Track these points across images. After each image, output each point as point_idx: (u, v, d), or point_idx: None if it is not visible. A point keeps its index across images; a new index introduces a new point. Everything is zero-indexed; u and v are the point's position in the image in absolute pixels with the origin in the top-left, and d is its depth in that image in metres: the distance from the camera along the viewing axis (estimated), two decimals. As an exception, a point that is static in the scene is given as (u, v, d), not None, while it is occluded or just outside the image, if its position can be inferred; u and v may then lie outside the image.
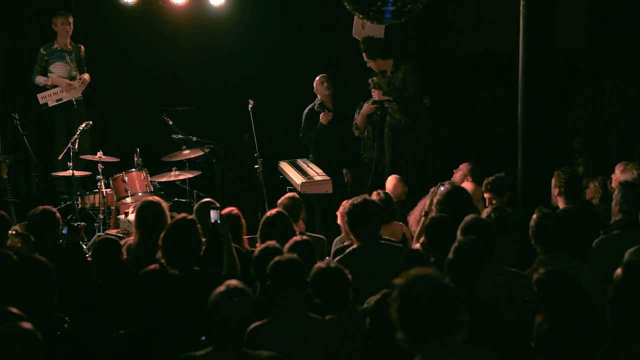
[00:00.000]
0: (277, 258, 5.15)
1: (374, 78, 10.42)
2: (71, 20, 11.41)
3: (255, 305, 4.65)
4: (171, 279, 5.44)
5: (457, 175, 9.17)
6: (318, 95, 10.99)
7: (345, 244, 7.06)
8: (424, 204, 7.45)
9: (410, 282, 3.85)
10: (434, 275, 3.89)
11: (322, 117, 10.78)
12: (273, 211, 6.87)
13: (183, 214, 6.22)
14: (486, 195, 8.13)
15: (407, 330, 3.83)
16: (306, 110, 11.01)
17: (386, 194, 8.03)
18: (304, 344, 4.95)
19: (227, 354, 4.50)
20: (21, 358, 4.03)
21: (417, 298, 3.80)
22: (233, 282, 4.63)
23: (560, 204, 7.44)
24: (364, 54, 10.31)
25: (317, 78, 10.99)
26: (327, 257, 6.84)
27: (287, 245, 5.91)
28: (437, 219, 6.25)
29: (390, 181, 9.27)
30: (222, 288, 4.53)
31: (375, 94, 10.40)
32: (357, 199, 6.51)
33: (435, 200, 7.11)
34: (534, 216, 6.20)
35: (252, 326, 4.97)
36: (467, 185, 8.52)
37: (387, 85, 10.35)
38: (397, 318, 3.85)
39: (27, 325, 4.11)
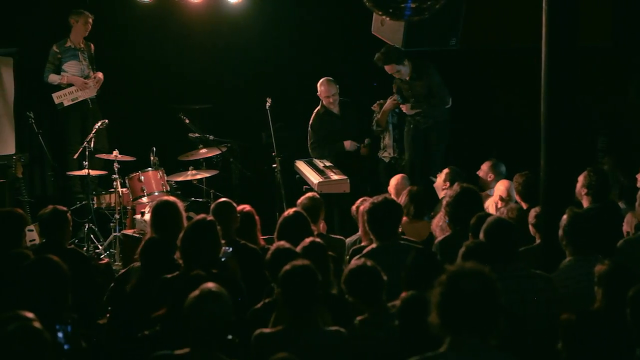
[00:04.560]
0: (287, 267, 5.02)
1: (395, 85, 10.38)
2: (91, 21, 11.35)
3: (231, 308, 4.61)
4: (190, 281, 5.32)
5: (439, 180, 9.10)
6: (322, 99, 10.67)
7: (363, 244, 6.98)
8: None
9: (462, 272, 3.80)
10: (488, 274, 3.81)
11: (348, 144, 10.57)
12: (291, 211, 6.80)
13: (202, 215, 6.14)
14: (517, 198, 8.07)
15: (442, 317, 3.78)
16: (312, 120, 10.78)
17: (418, 189, 7.96)
18: (311, 356, 4.84)
19: (203, 357, 4.48)
20: (28, 357, 4.01)
21: (463, 290, 3.74)
22: (209, 285, 4.60)
23: (585, 203, 7.36)
24: (389, 66, 10.11)
25: (321, 81, 10.64)
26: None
27: (299, 247, 5.82)
28: (482, 217, 6.17)
29: (396, 179, 9.19)
30: (196, 292, 4.53)
31: (405, 108, 10.32)
32: (377, 198, 6.45)
33: (444, 202, 7.04)
34: (565, 216, 6.10)
35: (259, 331, 4.90)
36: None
37: (409, 90, 10.27)
38: (436, 302, 3.79)
39: (36, 324, 4.10)
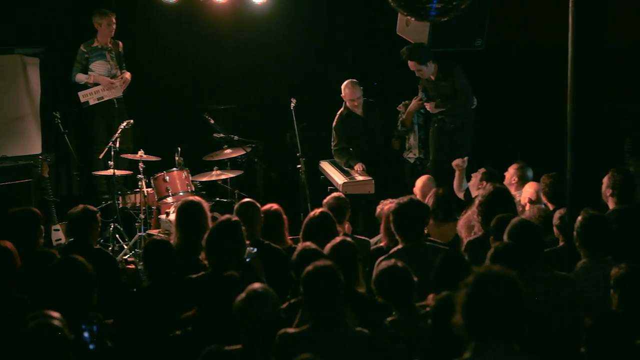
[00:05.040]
0: (309, 267, 5.01)
1: (420, 85, 10.32)
2: (115, 19, 11.39)
3: (279, 305, 4.63)
4: (224, 282, 5.32)
5: (472, 181, 9.05)
6: (346, 102, 10.61)
7: (382, 244, 6.95)
8: (474, 210, 7.28)
9: (489, 275, 3.77)
10: (515, 279, 3.78)
11: (358, 170, 10.49)
12: (317, 211, 6.77)
13: (227, 215, 6.14)
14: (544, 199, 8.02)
15: (466, 319, 3.76)
16: (334, 122, 10.71)
17: (445, 191, 7.92)
18: (334, 357, 4.82)
19: (255, 355, 4.49)
20: (49, 354, 4.07)
21: (489, 294, 3.72)
22: (255, 286, 4.59)
23: (611, 204, 7.29)
24: (412, 62, 10.04)
25: (345, 83, 10.54)
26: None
27: (327, 247, 5.81)
28: (504, 218, 6.17)
29: (421, 180, 9.15)
30: (243, 294, 4.53)
31: (429, 107, 10.27)
32: (403, 199, 6.42)
33: (476, 202, 7.01)
34: (580, 218, 6.07)
35: (282, 331, 4.89)
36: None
37: (434, 90, 10.22)
38: (462, 303, 3.77)
39: (56, 322, 4.15)
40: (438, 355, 4.55)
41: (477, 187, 8.80)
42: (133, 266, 9.37)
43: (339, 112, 10.66)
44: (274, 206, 7.17)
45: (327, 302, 4.92)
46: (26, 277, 5.78)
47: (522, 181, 8.87)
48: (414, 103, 10.54)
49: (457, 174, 9.22)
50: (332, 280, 4.92)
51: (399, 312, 5.21)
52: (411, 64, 10.01)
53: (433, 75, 10.16)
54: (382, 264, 5.37)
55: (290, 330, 4.98)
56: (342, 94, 10.51)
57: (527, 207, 8.21)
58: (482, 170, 8.97)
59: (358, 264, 5.80)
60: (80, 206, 7.08)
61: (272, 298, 4.58)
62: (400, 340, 5.05)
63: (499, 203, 6.80)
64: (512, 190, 8.79)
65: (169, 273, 5.99)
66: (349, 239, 5.97)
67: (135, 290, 6.75)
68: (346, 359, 4.87)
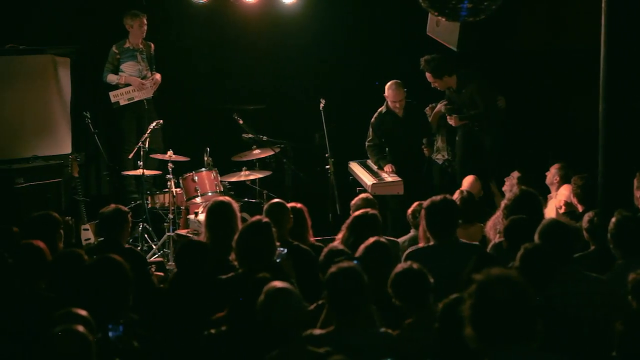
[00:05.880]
0: (332, 269, 4.96)
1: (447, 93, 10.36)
2: (146, 21, 11.43)
3: (301, 298, 4.61)
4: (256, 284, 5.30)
5: (507, 184, 9.02)
6: (388, 101, 10.60)
7: (420, 245, 6.94)
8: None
9: (490, 281, 3.74)
10: (516, 278, 3.75)
11: (388, 171, 10.45)
12: (370, 211, 6.80)
13: (258, 216, 6.14)
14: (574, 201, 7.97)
15: (476, 329, 3.73)
16: (373, 118, 10.70)
17: (469, 193, 7.90)
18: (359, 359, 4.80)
19: (294, 355, 4.48)
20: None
21: (493, 299, 3.69)
22: (274, 284, 4.57)
23: (643, 206, 7.25)
24: (428, 74, 10.13)
25: (389, 84, 10.54)
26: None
27: (360, 248, 5.79)
28: (516, 221, 6.09)
29: (467, 180, 9.13)
30: (262, 296, 4.52)
31: (452, 121, 10.27)
32: (436, 197, 6.41)
33: (502, 205, 6.98)
34: (613, 219, 6.04)
35: (308, 332, 4.88)
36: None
37: (458, 99, 10.23)
38: (469, 314, 3.74)
39: (80, 328, 4.15)
40: (448, 357, 4.53)
41: (512, 191, 8.77)
42: (163, 273, 9.38)
43: (379, 110, 10.65)
44: (298, 205, 7.17)
45: (351, 304, 4.89)
46: (53, 276, 5.80)
47: (564, 181, 8.82)
48: (439, 106, 10.54)
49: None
50: (355, 281, 4.88)
51: (416, 314, 5.18)
52: (427, 75, 10.11)
53: (453, 85, 10.20)
54: (397, 266, 5.34)
55: (316, 331, 4.97)
56: (385, 94, 10.51)
57: (562, 210, 8.16)
58: (516, 174, 8.93)
59: (391, 265, 5.77)
60: (112, 206, 7.11)
61: (293, 296, 4.56)
62: (416, 342, 5.02)
63: (525, 206, 6.74)
64: (553, 190, 8.77)
65: (200, 274, 5.99)
66: (383, 239, 5.95)
67: (163, 289, 6.74)
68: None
